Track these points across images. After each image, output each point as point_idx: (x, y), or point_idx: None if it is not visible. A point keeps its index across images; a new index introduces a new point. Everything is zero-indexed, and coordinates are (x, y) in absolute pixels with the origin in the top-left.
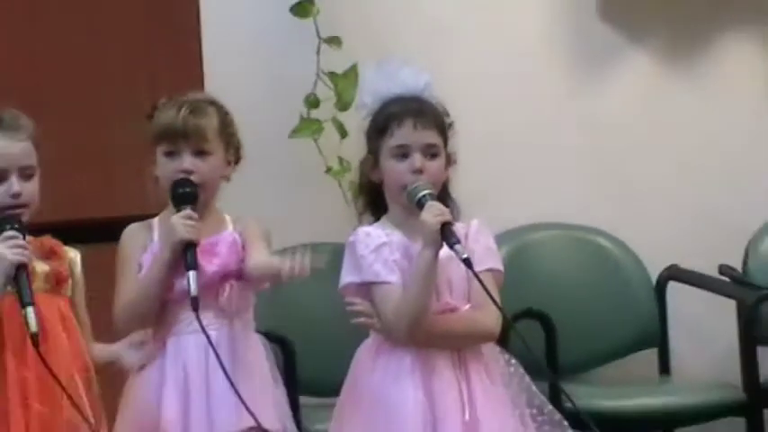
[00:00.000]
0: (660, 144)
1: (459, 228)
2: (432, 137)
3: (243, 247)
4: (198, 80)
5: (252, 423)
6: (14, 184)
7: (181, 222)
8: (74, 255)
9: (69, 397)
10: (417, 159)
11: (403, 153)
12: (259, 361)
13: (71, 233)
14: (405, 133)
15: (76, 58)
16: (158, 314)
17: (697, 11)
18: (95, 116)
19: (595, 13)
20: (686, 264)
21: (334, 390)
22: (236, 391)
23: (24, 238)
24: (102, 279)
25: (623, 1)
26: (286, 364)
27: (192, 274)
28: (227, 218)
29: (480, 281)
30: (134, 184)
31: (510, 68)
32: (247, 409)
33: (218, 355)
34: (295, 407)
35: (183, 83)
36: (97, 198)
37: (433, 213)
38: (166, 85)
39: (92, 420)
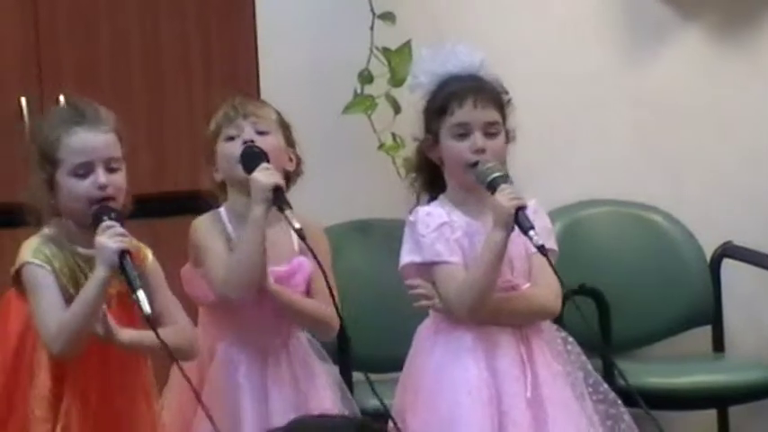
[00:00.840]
0: (714, 121)
1: None
2: (492, 115)
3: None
4: (252, 57)
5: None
6: (100, 175)
7: (262, 174)
8: (147, 252)
9: (201, 404)
10: (479, 138)
11: (464, 132)
12: (310, 357)
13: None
14: (465, 112)
15: (134, 38)
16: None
17: None
18: (152, 96)
19: None
20: (741, 241)
21: (388, 366)
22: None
23: (122, 226)
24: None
25: None
26: (340, 341)
27: (289, 213)
28: (290, 214)
29: (549, 261)
30: (186, 160)
31: (563, 45)
32: None
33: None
34: (349, 383)
35: (237, 60)
36: (153, 174)
37: (509, 197)
38: (221, 63)
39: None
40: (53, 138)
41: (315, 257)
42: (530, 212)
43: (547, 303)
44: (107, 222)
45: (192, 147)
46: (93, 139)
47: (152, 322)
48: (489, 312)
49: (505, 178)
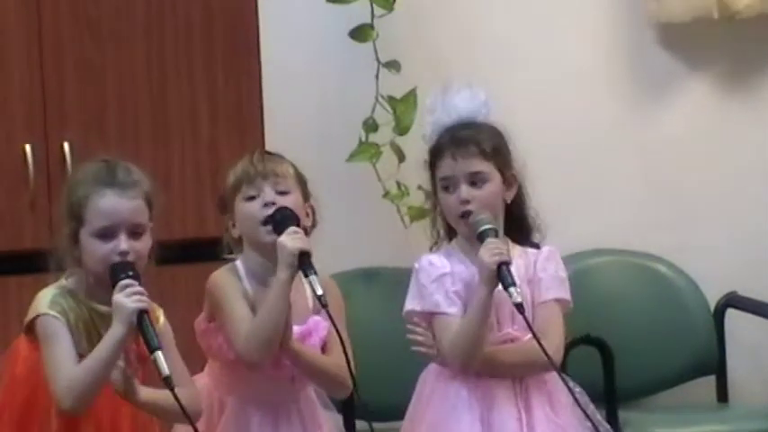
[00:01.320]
0: (719, 171)
1: (530, 254)
2: (476, 165)
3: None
4: (257, 103)
5: None
6: (122, 242)
7: (289, 238)
8: (159, 313)
9: None
10: (463, 190)
11: (450, 185)
12: (321, 417)
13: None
14: (446, 165)
15: (140, 84)
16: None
17: (756, 38)
18: (157, 141)
19: (655, 41)
20: (745, 291)
21: (392, 414)
22: None
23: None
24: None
25: (682, 30)
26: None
27: (314, 278)
28: (306, 287)
29: (527, 321)
30: (192, 206)
31: (569, 94)
32: None
33: None
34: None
35: (242, 106)
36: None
37: (491, 252)
38: (226, 109)
39: None
40: (81, 195)
41: (333, 323)
42: (541, 259)
43: (539, 356)
44: (126, 281)
45: (198, 195)
46: (119, 205)
47: (170, 383)
48: (484, 364)
49: (493, 232)
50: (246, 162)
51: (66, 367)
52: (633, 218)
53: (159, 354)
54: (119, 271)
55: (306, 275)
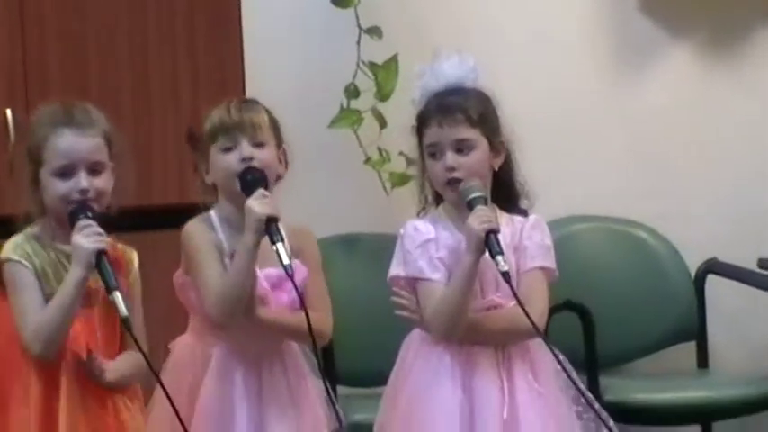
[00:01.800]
0: (701, 138)
1: (516, 222)
2: (462, 132)
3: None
4: (238, 70)
5: None
6: (82, 179)
7: (257, 202)
8: (132, 255)
9: (166, 390)
10: (449, 157)
11: (436, 152)
12: (304, 368)
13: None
14: (433, 133)
15: (121, 51)
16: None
17: (737, 5)
18: (139, 108)
19: (636, 8)
20: (725, 257)
21: (373, 380)
22: None
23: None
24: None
25: (668, 1)
26: (325, 355)
27: (280, 246)
28: (280, 227)
29: (512, 287)
30: (173, 173)
31: (552, 61)
32: None
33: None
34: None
35: (223, 73)
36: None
37: (480, 220)
38: (208, 76)
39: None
40: (40, 137)
41: (297, 292)
42: (527, 227)
43: (524, 322)
44: (84, 222)
45: (179, 161)
46: (78, 143)
47: (128, 324)
48: (467, 331)
49: (482, 200)
50: (223, 111)
51: (32, 313)
52: (616, 185)
53: (117, 294)
54: (77, 212)
55: (273, 242)
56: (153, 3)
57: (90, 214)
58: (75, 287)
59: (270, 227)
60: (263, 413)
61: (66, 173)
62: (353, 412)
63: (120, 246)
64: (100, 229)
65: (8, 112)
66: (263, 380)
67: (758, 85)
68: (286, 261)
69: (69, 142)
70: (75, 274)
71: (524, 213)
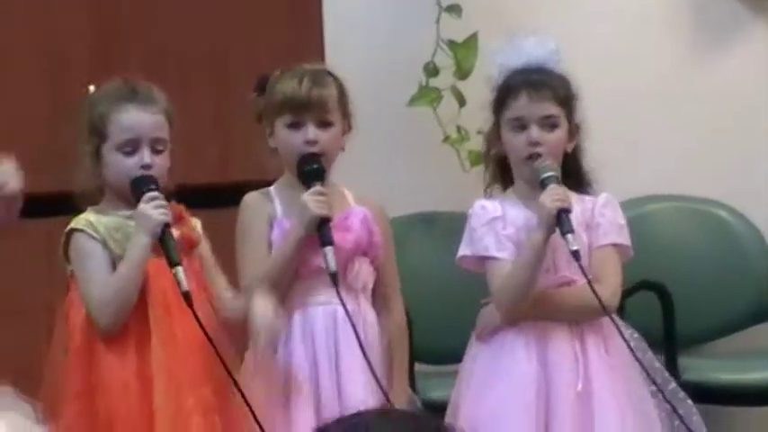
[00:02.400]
0: None
1: (585, 201)
2: (549, 108)
3: (372, 234)
4: (319, 50)
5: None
6: (145, 155)
7: (312, 199)
8: (195, 222)
9: (219, 355)
10: (534, 131)
11: (520, 125)
12: (378, 335)
13: (189, 198)
14: (520, 105)
15: (199, 27)
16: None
17: None
18: (217, 85)
19: None
20: None
21: (450, 357)
22: (372, 368)
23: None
24: (218, 243)
25: None
26: None
27: (329, 249)
28: (347, 192)
29: (581, 266)
30: (252, 149)
31: (633, 41)
32: (380, 386)
33: (356, 332)
34: (411, 374)
35: (304, 52)
36: (217, 164)
37: (553, 198)
38: (288, 57)
39: (237, 378)
40: (103, 112)
41: (340, 297)
42: (599, 205)
43: (595, 300)
44: (152, 193)
45: (259, 137)
46: (142, 118)
47: (189, 299)
48: (540, 305)
49: (556, 179)
50: (295, 84)
51: (97, 284)
52: (695, 163)
53: (179, 269)
54: (142, 184)
55: (322, 245)
56: None
57: (154, 186)
58: (140, 255)
59: (321, 227)
60: (340, 373)
61: (129, 148)
62: (430, 390)
63: (179, 206)
64: (165, 203)
65: (91, 87)
66: (341, 343)
67: None
68: (333, 268)
69: (134, 117)
70: (140, 241)
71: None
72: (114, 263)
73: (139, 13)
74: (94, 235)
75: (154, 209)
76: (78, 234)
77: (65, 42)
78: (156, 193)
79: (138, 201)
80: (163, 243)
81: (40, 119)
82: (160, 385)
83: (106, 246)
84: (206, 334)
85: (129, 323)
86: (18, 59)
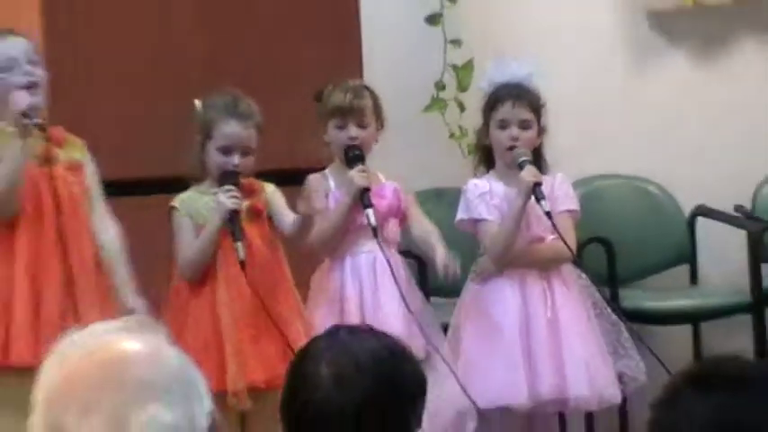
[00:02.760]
0: (694, 116)
1: (546, 179)
2: (525, 114)
3: (400, 201)
4: (358, 68)
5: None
6: (236, 158)
7: (357, 174)
8: (263, 185)
9: (274, 323)
10: (514, 131)
11: (504, 125)
12: (407, 277)
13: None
14: (505, 110)
15: (278, 48)
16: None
17: (721, 21)
18: (290, 92)
19: (647, 24)
20: (711, 203)
21: (454, 292)
22: (406, 303)
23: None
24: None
25: (666, 15)
26: (420, 270)
27: (370, 211)
28: (380, 175)
29: (554, 225)
30: (300, 141)
31: (588, 60)
32: (408, 308)
33: (392, 271)
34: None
35: (348, 68)
36: (285, 152)
37: (531, 174)
38: (336, 70)
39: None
40: (212, 118)
41: (381, 248)
42: (557, 182)
43: (564, 252)
44: (228, 186)
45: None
46: (239, 131)
47: (243, 266)
48: (522, 257)
49: (530, 162)
50: (341, 95)
51: (184, 250)
52: (632, 150)
53: (239, 244)
54: (225, 178)
55: (364, 207)
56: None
57: (234, 181)
58: (213, 232)
59: (363, 195)
60: (378, 302)
61: (226, 150)
62: (443, 316)
63: (254, 180)
64: (238, 194)
65: (197, 102)
66: (378, 279)
67: (738, 78)
68: (373, 223)
69: (233, 130)
70: (213, 222)
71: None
72: (198, 232)
73: (237, 35)
74: (183, 213)
75: (227, 198)
76: (174, 210)
77: (182, 57)
78: (230, 186)
79: (222, 182)
80: (230, 223)
81: (165, 118)
82: (225, 319)
83: (192, 218)
84: (261, 301)
85: (206, 276)
86: (148, 72)
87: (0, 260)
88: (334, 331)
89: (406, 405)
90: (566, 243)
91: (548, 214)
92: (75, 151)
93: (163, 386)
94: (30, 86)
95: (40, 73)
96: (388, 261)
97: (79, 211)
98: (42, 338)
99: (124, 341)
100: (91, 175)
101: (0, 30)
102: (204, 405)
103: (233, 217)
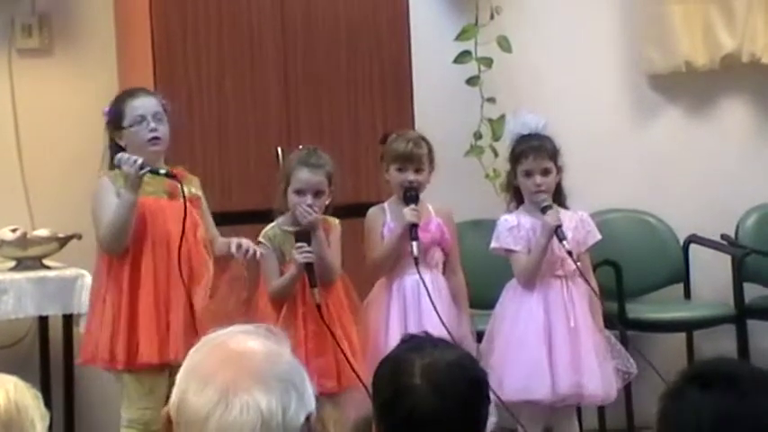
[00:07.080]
0: (687, 160)
1: (571, 216)
2: (546, 162)
3: (443, 233)
4: (410, 121)
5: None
6: (309, 199)
7: (409, 212)
8: (334, 222)
9: (338, 345)
10: (538, 179)
11: (529, 174)
12: (447, 293)
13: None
14: (529, 162)
15: (335, 110)
16: (392, 266)
17: (709, 83)
18: (356, 142)
19: (647, 85)
20: (701, 233)
21: (489, 305)
22: (440, 316)
23: (310, 244)
24: (351, 244)
25: (663, 77)
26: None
27: (415, 243)
28: (429, 207)
29: (574, 261)
30: (371, 180)
31: (598, 114)
32: (446, 329)
33: (429, 293)
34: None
35: (402, 123)
36: (349, 188)
37: (553, 218)
38: (394, 122)
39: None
40: (290, 168)
41: (419, 275)
42: (581, 219)
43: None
44: (299, 244)
45: (375, 170)
46: (309, 178)
47: (320, 310)
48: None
49: (551, 206)
50: (403, 144)
51: (269, 281)
52: (632, 187)
53: (315, 290)
54: (298, 237)
55: (411, 239)
56: (364, 81)
57: (305, 238)
58: (292, 278)
59: (412, 229)
60: (422, 319)
61: (300, 193)
62: (479, 323)
63: (328, 218)
64: (310, 249)
65: (279, 149)
66: (422, 300)
67: (724, 130)
68: (416, 253)
69: (305, 176)
70: (293, 272)
71: (567, 208)
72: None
73: (314, 96)
74: (268, 244)
75: (299, 254)
76: (263, 245)
77: (265, 116)
78: (302, 244)
79: (297, 239)
80: (306, 272)
81: (254, 163)
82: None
83: (275, 251)
84: (331, 333)
85: (295, 300)
86: (241, 127)
87: (112, 288)
88: (417, 343)
89: (487, 403)
90: (588, 283)
91: (569, 253)
92: (192, 186)
93: (268, 379)
94: (153, 140)
95: (162, 129)
96: (425, 284)
97: (198, 235)
98: (169, 344)
99: (251, 340)
100: (205, 207)
101: (134, 89)
102: (304, 405)
103: (308, 270)
